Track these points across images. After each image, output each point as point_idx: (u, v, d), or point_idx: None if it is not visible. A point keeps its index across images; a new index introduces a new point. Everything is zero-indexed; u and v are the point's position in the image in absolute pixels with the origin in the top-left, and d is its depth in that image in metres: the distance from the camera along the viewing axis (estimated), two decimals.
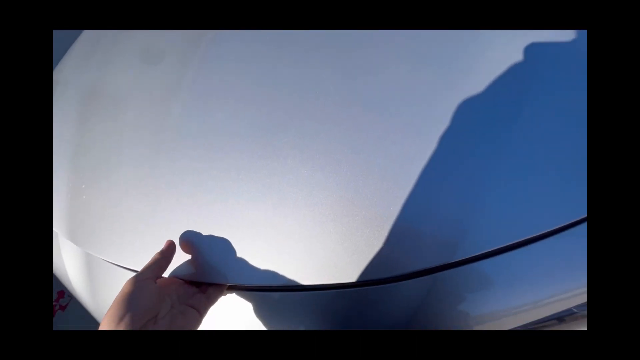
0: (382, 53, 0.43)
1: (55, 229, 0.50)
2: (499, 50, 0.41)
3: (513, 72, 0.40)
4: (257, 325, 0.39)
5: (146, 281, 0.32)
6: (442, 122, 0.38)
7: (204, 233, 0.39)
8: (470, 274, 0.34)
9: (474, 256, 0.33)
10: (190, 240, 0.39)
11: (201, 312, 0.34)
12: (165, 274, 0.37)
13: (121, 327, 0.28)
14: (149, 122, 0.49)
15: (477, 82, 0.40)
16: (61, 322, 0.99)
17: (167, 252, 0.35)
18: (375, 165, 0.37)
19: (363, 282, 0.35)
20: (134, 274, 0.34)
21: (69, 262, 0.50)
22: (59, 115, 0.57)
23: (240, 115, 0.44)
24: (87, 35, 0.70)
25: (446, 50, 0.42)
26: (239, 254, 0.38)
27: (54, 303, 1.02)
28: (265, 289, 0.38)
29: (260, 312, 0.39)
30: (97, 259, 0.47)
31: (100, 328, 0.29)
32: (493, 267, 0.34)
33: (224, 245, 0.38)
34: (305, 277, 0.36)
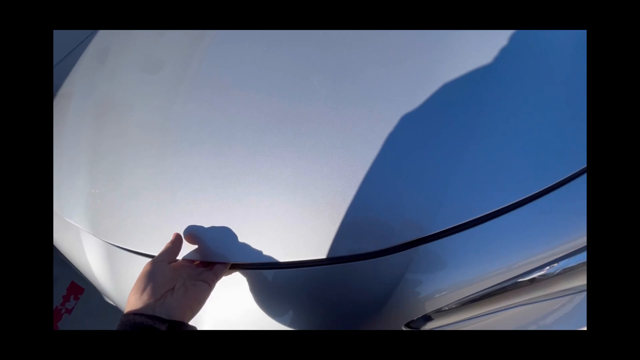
0: (373, 53, 0.46)
1: (77, 225, 0.54)
2: (495, 50, 0.42)
3: (510, 70, 0.41)
4: (255, 297, 0.43)
5: (161, 263, 0.38)
6: (429, 118, 0.41)
7: (209, 220, 0.44)
8: (445, 246, 0.38)
9: (447, 229, 0.37)
10: (193, 232, 0.44)
11: (210, 284, 0.39)
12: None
13: (145, 297, 0.33)
14: (154, 127, 0.53)
15: (476, 81, 0.41)
16: (65, 324, 0.99)
17: (176, 242, 0.41)
18: (363, 158, 0.41)
19: (353, 256, 0.39)
20: (149, 259, 0.38)
21: (90, 254, 0.55)
22: (76, 125, 0.62)
23: (239, 116, 0.48)
24: (93, 46, 0.74)
25: (445, 50, 0.43)
26: (239, 239, 0.42)
27: (60, 307, 1.01)
28: (261, 266, 0.43)
29: (256, 286, 0.44)
30: (116, 249, 0.51)
31: (128, 301, 0.34)
32: (468, 237, 0.37)
33: (226, 231, 0.43)
34: (297, 255, 0.40)
